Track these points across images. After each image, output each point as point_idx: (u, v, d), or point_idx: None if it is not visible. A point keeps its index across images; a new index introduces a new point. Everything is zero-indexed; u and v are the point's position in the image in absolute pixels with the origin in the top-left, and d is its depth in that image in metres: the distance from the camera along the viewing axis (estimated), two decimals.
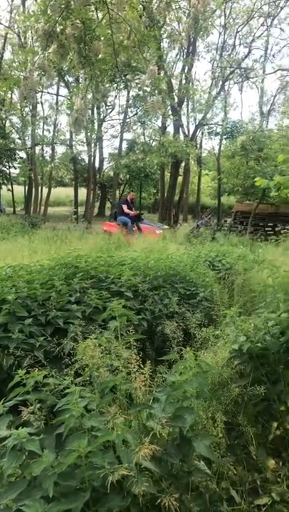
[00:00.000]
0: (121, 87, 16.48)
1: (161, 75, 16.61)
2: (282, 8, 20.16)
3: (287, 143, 15.46)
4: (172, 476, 2.20)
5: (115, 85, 18.57)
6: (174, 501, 1.75)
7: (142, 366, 2.53)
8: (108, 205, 29.06)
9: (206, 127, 22.19)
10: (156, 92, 12.48)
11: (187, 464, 2.05)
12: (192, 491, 2.50)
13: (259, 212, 17.07)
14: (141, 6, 6.23)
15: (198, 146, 26.84)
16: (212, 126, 22.00)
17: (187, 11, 15.33)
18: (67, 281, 4.13)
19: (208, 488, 2.58)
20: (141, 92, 16.52)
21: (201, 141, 28.38)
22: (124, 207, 14.39)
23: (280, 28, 33.21)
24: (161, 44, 18.39)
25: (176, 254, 6.66)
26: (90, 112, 24.13)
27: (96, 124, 24.59)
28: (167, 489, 2.01)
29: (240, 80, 22.93)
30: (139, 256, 5.55)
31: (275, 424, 3.31)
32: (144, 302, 4.38)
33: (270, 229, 17.62)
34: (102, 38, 5.48)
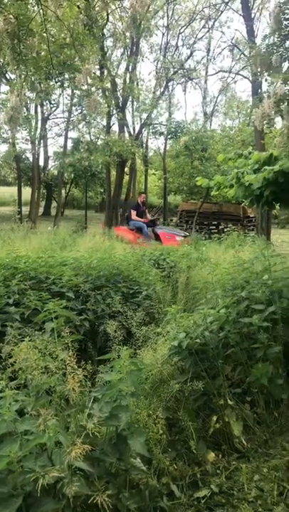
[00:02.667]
0: (57, 85, 16.26)
1: (105, 73, 16.59)
2: (222, 12, 20.69)
3: (228, 143, 15.90)
4: (111, 474, 2.20)
5: (58, 83, 18.34)
6: (106, 498, 1.74)
7: (81, 367, 2.51)
8: (54, 204, 28.62)
9: (150, 127, 22.38)
10: (98, 90, 12.41)
11: (124, 462, 2.05)
12: (132, 489, 2.52)
13: (203, 211, 17.45)
14: (80, 4, 6.16)
15: (144, 145, 27.01)
16: (156, 126, 22.23)
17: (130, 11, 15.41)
18: (5, 283, 4.03)
19: (148, 485, 2.61)
20: (78, 92, 16.40)
21: (147, 140, 28.60)
22: (133, 213, 12.78)
23: (221, 31, 34.07)
24: (105, 43, 18.36)
25: (121, 254, 6.67)
26: (32, 109, 23.67)
27: (40, 122, 24.15)
28: (104, 488, 2.01)
29: (183, 80, 23.32)
30: (82, 256, 5.50)
31: (214, 418, 3.39)
32: (86, 302, 4.36)
33: (214, 227, 18.06)
34: (37, 35, 5.37)
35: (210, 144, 15.89)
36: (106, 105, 15.05)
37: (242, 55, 17.75)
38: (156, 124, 22.10)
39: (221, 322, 3.67)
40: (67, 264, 4.86)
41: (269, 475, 3.01)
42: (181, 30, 22.02)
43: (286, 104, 3.37)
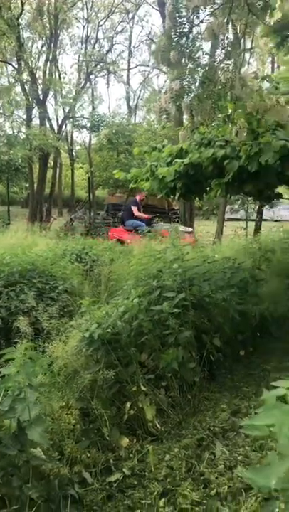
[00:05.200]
0: None
1: (22, 66, 16.13)
2: (139, 6, 20.85)
3: (151, 137, 16.13)
4: (16, 467, 2.22)
5: None
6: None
7: None
8: None
9: (73, 120, 22.12)
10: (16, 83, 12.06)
11: (26, 453, 2.08)
12: (42, 479, 2.55)
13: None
14: None
15: (68, 139, 26.67)
16: (78, 119, 22.03)
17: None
18: None
19: (59, 474, 2.65)
20: None
21: (72, 134, 28.27)
22: (135, 209, 12.03)
23: (141, 26, 34.41)
24: (23, 34, 17.83)
25: (39, 249, 6.59)
26: None
27: None
28: (7, 481, 2.02)
29: (105, 74, 23.30)
30: None
31: (128, 405, 3.49)
32: None
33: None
34: None
35: (133, 137, 16.02)
36: (24, 98, 14.65)
37: None
38: (78, 117, 21.91)
39: (133, 311, 3.77)
40: None
41: (179, 454, 3.16)
42: (101, 23, 21.93)
43: (185, 98, 3.53)
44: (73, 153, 28.34)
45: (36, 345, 3.16)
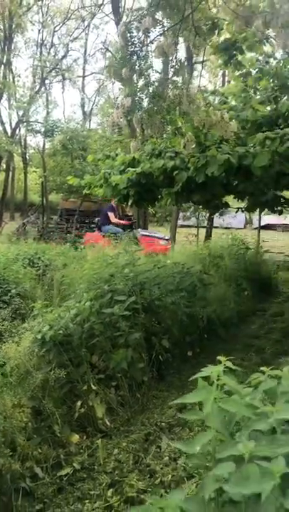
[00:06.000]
0: None
1: None
2: (95, 15, 21.08)
3: (106, 143, 16.32)
4: None
5: None
6: None
7: None
8: None
9: (27, 124, 21.96)
10: None
11: None
12: None
13: (84, 209, 17.63)
14: None
15: (22, 143, 26.37)
16: (32, 123, 21.89)
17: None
18: None
19: (11, 469, 2.76)
20: None
21: (25, 138, 27.97)
22: (111, 215, 11.56)
23: (97, 33, 34.61)
24: None
25: None
26: None
27: None
28: None
29: (60, 79, 23.30)
30: None
31: (79, 403, 3.63)
32: None
33: (95, 225, 18.33)
34: None
35: (87, 143, 16.14)
36: None
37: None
38: (32, 121, 21.77)
39: (84, 314, 3.92)
40: None
41: (127, 448, 3.34)
42: (56, 29, 21.95)
43: (136, 113, 3.74)
44: (27, 157, 28.00)
45: None
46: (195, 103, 3.77)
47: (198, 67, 15.68)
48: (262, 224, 25.49)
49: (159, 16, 3.79)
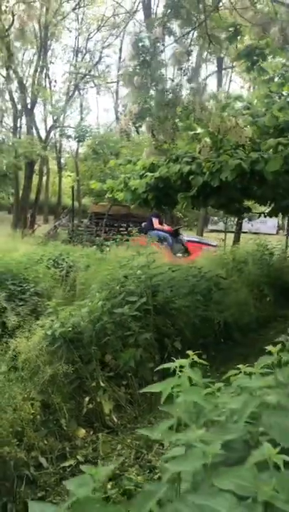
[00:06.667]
0: None
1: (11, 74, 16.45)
2: (128, 23, 21.37)
3: (136, 148, 16.51)
4: None
5: None
6: None
7: None
8: None
9: (60, 129, 22.48)
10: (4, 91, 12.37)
11: None
12: None
13: (113, 213, 17.88)
14: None
15: (57, 147, 27.00)
16: (65, 128, 22.39)
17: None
18: None
19: (16, 457, 2.91)
20: None
21: (61, 142, 28.60)
22: (156, 221, 11.28)
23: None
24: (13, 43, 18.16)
25: (18, 254, 6.84)
26: None
27: None
28: None
29: (94, 84, 23.76)
30: None
31: (87, 399, 3.76)
32: None
33: (124, 229, 18.57)
34: None
35: (117, 148, 16.39)
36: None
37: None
38: (65, 126, 22.28)
39: (96, 313, 4.06)
40: None
41: (131, 444, 3.44)
42: (90, 36, 22.42)
43: (146, 119, 3.86)
44: (61, 161, 28.63)
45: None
46: (207, 109, 3.85)
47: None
48: None
49: (174, 24, 3.91)
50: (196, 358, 1.54)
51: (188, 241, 11.27)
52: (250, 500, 0.89)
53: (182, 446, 1.24)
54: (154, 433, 1.36)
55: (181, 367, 1.45)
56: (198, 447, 1.16)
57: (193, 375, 1.44)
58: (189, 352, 1.56)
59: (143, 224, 13.45)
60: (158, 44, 3.71)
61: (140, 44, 3.69)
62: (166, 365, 1.51)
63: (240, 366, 1.77)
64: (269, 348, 1.70)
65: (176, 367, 1.47)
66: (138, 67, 3.68)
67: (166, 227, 11.53)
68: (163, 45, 3.84)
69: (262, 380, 1.40)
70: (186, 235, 12.11)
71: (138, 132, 4.14)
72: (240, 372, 1.75)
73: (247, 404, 1.20)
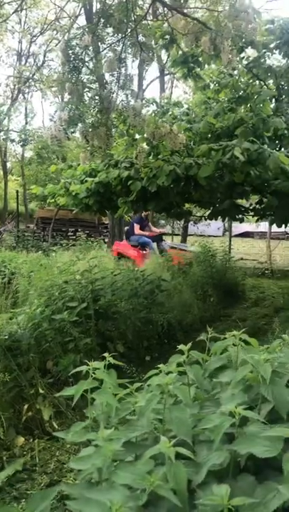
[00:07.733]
0: None
1: None
2: (70, 28, 21.22)
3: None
4: None
5: None
6: None
7: None
8: None
9: (4, 133, 22.02)
10: None
11: None
12: None
13: (60, 218, 17.72)
14: None
15: (1, 151, 26.40)
16: (9, 132, 21.95)
17: None
18: None
19: None
20: None
21: (6, 147, 27.99)
22: (137, 227, 10.55)
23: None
24: None
25: None
26: None
27: None
28: None
29: (37, 88, 23.44)
30: None
31: (26, 406, 3.72)
32: None
33: (72, 234, 18.45)
34: None
35: (64, 152, 16.26)
36: None
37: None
38: (9, 130, 21.83)
39: (33, 320, 4.03)
40: None
41: (70, 449, 3.44)
42: (34, 39, 22.14)
43: (80, 125, 3.89)
44: (7, 165, 28.01)
45: None
46: (140, 116, 3.93)
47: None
48: (240, 232, 25.84)
49: (105, 32, 3.97)
50: (112, 360, 1.59)
51: (171, 247, 11.01)
52: (139, 491, 0.94)
53: (92, 446, 1.29)
54: (69, 435, 1.39)
55: (95, 369, 1.49)
56: (106, 446, 1.21)
57: (107, 377, 1.49)
58: (105, 354, 1.61)
59: (126, 228, 13.19)
60: (88, 51, 3.76)
61: (70, 51, 3.72)
62: (78, 369, 1.55)
63: (160, 366, 1.84)
64: (180, 347, 1.77)
65: (88, 369, 1.51)
66: (68, 74, 3.71)
67: (157, 230, 11.11)
68: (94, 52, 3.89)
69: (167, 377, 1.46)
70: (168, 242, 11.78)
71: (69, 138, 4.16)
72: (161, 372, 1.81)
73: (150, 402, 1.26)
